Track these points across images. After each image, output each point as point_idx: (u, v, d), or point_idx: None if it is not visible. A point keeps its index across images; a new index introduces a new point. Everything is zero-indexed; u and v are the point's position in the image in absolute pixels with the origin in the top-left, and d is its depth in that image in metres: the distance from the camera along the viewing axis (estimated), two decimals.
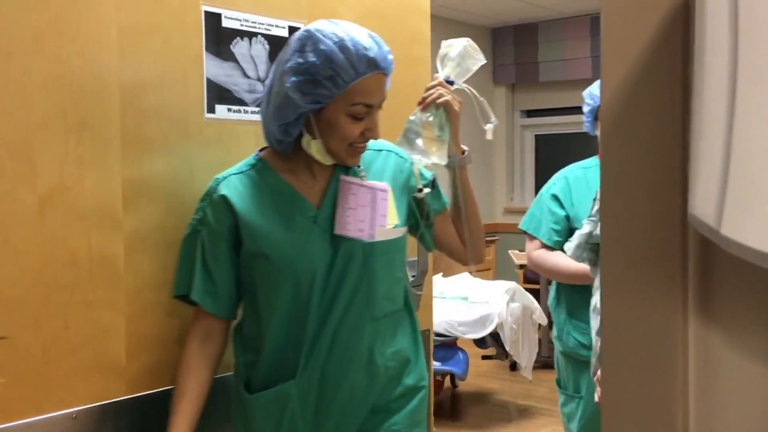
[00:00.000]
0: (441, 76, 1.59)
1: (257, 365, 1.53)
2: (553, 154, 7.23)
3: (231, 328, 1.59)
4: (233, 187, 1.51)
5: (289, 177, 1.53)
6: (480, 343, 4.59)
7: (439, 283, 4.70)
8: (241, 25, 1.73)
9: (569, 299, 2.41)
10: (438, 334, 4.17)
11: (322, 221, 1.51)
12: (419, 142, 1.56)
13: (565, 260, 2.20)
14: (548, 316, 4.34)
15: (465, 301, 4.50)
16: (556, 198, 2.41)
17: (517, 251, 5.75)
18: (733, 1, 0.51)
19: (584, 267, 1.99)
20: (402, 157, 1.62)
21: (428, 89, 1.59)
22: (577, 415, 2.37)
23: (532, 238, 2.46)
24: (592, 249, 1.78)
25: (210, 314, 1.52)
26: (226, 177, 1.53)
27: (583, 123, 2.48)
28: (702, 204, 0.54)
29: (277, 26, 1.80)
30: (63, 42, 1.45)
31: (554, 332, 2.50)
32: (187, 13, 1.64)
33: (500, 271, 6.46)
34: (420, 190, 1.60)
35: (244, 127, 1.75)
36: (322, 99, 1.41)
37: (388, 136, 1.64)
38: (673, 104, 0.65)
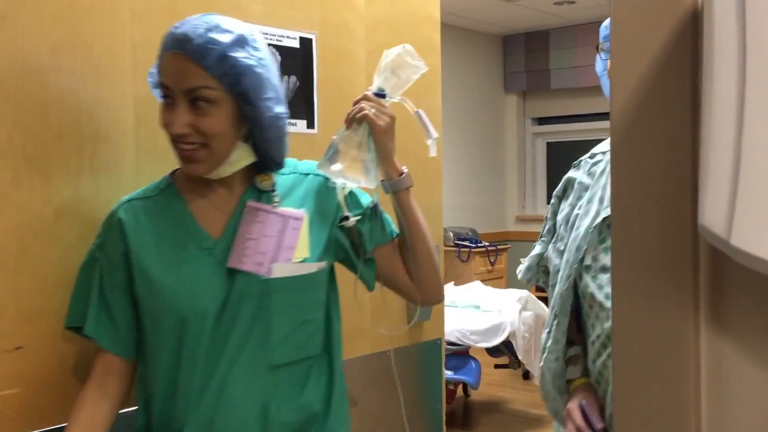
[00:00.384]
0: (372, 88, 1.42)
1: (152, 411, 1.37)
2: (564, 162, 7.21)
3: (135, 366, 1.41)
4: (132, 213, 1.36)
5: (197, 202, 1.37)
6: (492, 351, 4.57)
7: (450, 291, 4.70)
8: None
9: None
10: (450, 343, 4.16)
11: (219, 253, 1.33)
12: (341, 163, 1.37)
13: None
14: None
15: (477, 310, 4.50)
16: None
17: None
18: (740, 11, 0.52)
19: None
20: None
21: (354, 104, 1.41)
22: None
23: None
24: (544, 271, 1.73)
25: (107, 351, 1.36)
26: (130, 200, 1.38)
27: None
28: (712, 214, 0.54)
29: (288, 37, 1.81)
30: (79, 56, 1.47)
31: None
32: None
33: (512, 279, 6.45)
34: (345, 219, 1.40)
35: None
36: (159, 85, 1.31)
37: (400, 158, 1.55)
38: (683, 114, 0.65)
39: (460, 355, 4.42)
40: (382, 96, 1.40)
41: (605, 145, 1.61)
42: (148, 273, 1.32)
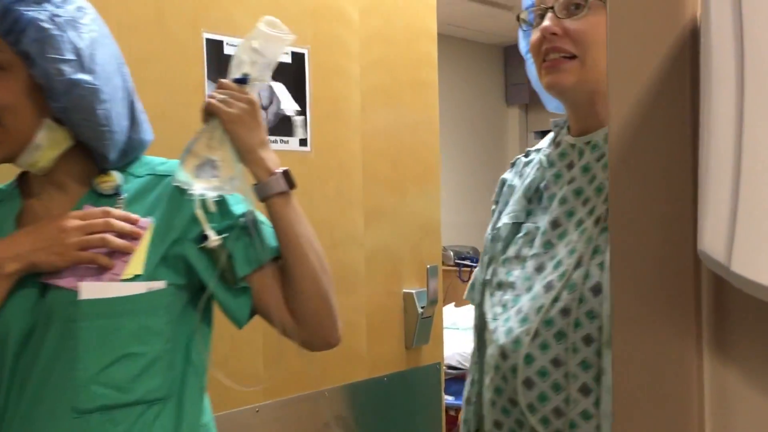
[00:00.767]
0: (230, 75, 1.18)
1: None
2: None
3: None
4: None
5: (33, 205, 1.16)
6: None
7: (451, 313, 4.63)
8: None
9: None
10: (450, 367, 4.11)
11: None
12: (189, 167, 1.14)
13: None
14: None
15: None
16: None
17: None
18: (737, 27, 0.52)
19: None
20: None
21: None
22: None
23: None
24: (479, 291, 1.54)
25: None
26: None
27: None
28: (711, 240, 0.55)
29: None
30: None
31: None
32: (188, 41, 1.61)
33: None
34: (204, 238, 1.12)
35: None
36: None
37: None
38: (683, 134, 0.65)
39: (462, 379, 4.36)
40: (244, 82, 1.16)
41: (544, 141, 1.45)
42: None
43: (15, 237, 1.09)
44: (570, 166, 1.31)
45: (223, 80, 1.16)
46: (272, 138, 1.73)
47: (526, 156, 1.49)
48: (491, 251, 1.38)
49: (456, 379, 4.29)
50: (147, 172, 1.19)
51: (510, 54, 7.39)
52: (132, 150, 1.18)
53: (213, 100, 1.13)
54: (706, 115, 0.56)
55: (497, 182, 1.52)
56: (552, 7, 1.23)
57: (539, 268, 1.26)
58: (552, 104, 1.42)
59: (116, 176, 1.16)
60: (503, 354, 1.24)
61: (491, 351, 1.27)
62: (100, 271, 1.08)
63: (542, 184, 1.34)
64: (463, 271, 6.32)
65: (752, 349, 0.62)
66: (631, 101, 0.67)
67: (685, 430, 0.65)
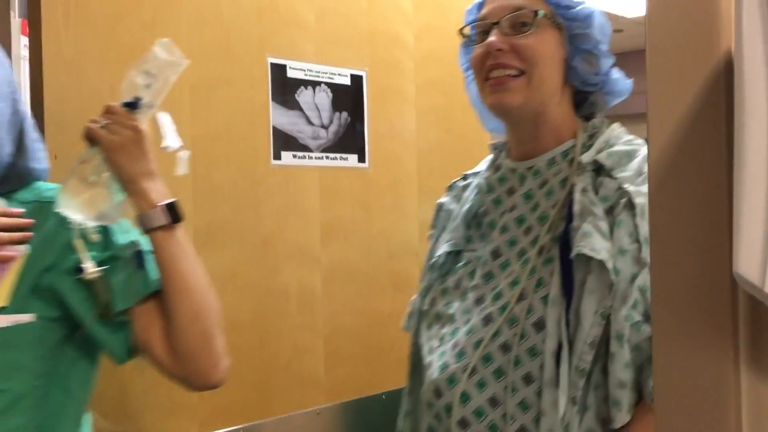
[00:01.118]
0: (121, 99, 1.13)
1: None
2: None
3: None
4: None
5: None
6: None
7: None
8: (306, 74, 1.79)
9: None
10: None
11: None
12: (69, 194, 1.08)
13: None
14: None
15: None
16: None
17: None
18: None
19: None
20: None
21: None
22: None
23: None
24: (415, 321, 1.41)
25: None
26: None
27: None
28: (746, 263, 0.56)
29: (339, 75, 1.85)
30: None
31: None
32: (254, 65, 1.70)
33: None
34: (80, 270, 1.06)
35: (309, 172, 1.80)
36: None
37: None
38: (718, 164, 0.66)
39: None
40: (135, 106, 1.11)
41: (482, 164, 1.37)
42: None
43: None
44: (510, 191, 1.24)
45: (111, 104, 1.10)
46: (332, 155, 1.82)
47: (464, 179, 1.39)
48: (429, 280, 1.31)
49: None
50: (33, 198, 1.12)
51: None
52: (17, 177, 1.12)
53: (94, 126, 1.09)
54: (739, 143, 0.57)
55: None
56: (497, 23, 1.18)
57: (479, 300, 1.19)
58: (491, 124, 1.34)
59: None
60: (437, 391, 1.17)
61: (425, 386, 1.21)
62: None
63: (481, 210, 1.27)
64: None
65: None
66: (670, 130, 0.67)
67: None
